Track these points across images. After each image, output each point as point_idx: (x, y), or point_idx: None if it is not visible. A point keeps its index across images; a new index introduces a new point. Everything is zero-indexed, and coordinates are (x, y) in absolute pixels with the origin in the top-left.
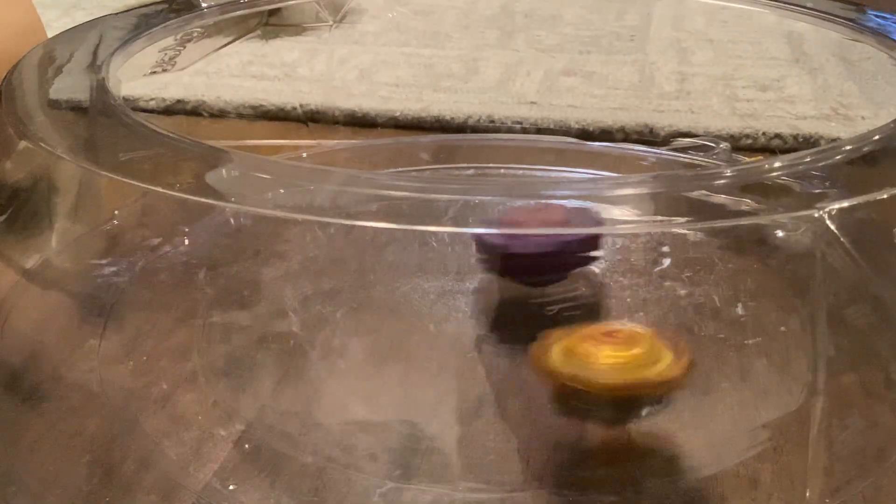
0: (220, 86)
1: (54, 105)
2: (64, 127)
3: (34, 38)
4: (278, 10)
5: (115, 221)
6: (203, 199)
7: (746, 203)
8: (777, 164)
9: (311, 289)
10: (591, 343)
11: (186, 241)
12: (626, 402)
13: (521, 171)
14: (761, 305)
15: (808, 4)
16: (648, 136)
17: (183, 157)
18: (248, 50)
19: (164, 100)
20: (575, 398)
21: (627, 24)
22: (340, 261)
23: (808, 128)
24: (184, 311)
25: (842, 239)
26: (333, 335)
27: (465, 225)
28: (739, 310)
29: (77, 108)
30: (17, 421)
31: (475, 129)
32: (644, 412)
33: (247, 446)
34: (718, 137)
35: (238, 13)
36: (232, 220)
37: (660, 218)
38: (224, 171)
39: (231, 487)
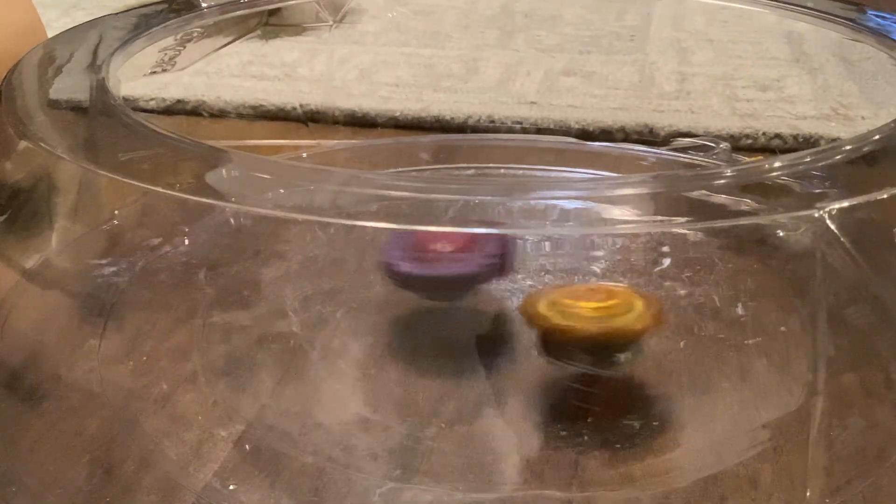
0: (220, 86)
1: (54, 105)
2: (64, 127)
3: (34, 38)
4: (278, 10)
5: (115, 221)
6: (203, 199)
7: (746, 203)
8: (777, 164)
9: (311, 289)
10: (574, 296)
11: (186, 241)
12: (602, 345)
13: (521, 171)
14: (761, 305)
15: (808, 4)
16: (648, 136)
17: (183, 157)
18: (248, 50)
19: (164, 100)
20: (557, 342)
21: (627, 24)
22: (340, 261)
23: (808, 128)
24: (184, 311)
25: (842, 239)
26: (333, 335)
27: (465, 225)
28: (739, 310)
29: (77, 108)
30: (17, 421)
31: (475, 129)
32: (621, 357)
33: (247, 446)
34: (718, 137)
35: (238, 13)
36: (232, 220)
37: (660, 218)
38: (224, 171)
39: (231, 487)
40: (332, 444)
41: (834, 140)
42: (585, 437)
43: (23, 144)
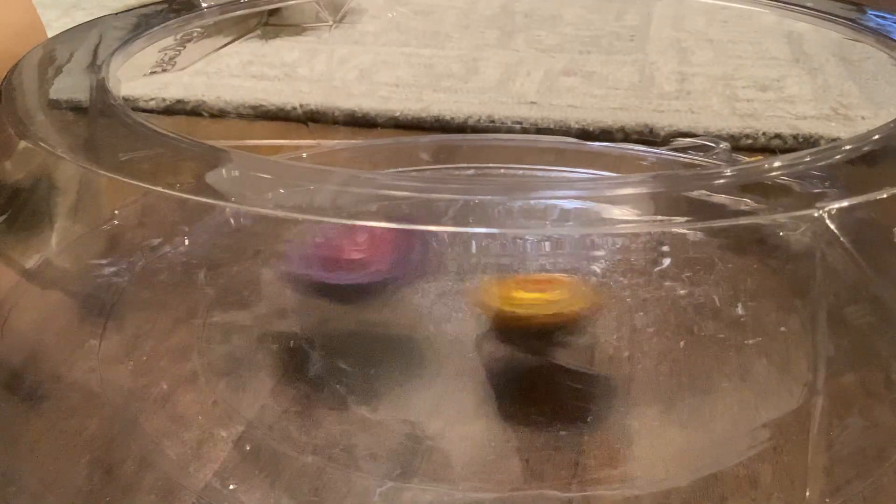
0: (220, 86)
1: (54, 105)
2: (64, 127)
3: (34, 38)
4: (278, 10)
5: (115, 221)
6: (203, 199)
7: (746, 203)
8: (777, 164)
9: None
10: (519, 287)
11: (186, 241)
12: (544, 330)
13: (521, 171)
14: (761, 305)
15: (808, 4)
16: (648, 136)
17: (183, 157)
18: (248, 50)
19: (164, 100)
20: (505, 328)
21: (627, 24)
22: None
23: (808, 128)
24: (184, 311)
25: (842, 239)
26: (333, 335)
27: (465, 225)
28: (739, 310)
29: (77, 108)
30: (17, 421)
31: (475, 129)
32: (561, 339)
33: (247, 446)
34: (718, 137)
35: (238, 13)
36: (232, 220)
37: (660, 218)
38: (224, 171)
39: (231, 487)
40: (332, 444)
41: (834, 140)
42: (585, 437)
43: (23, 144)
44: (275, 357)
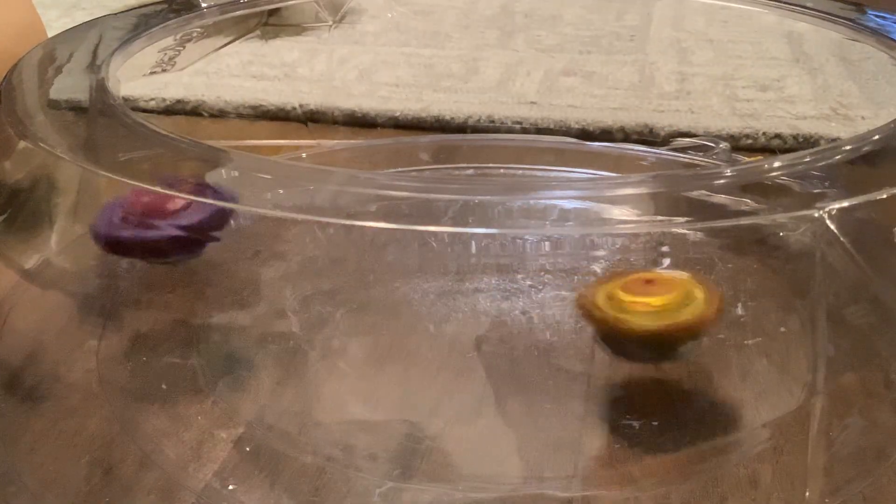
0: (220, 86)
1: (54, 105)
2: (64, 127)
3: (34, 38)
4: (278, 10)
5: None
6: (203, 200)
7: (746, 203)
8: (777, 164)
9: (311, 289)
10: (632, 290)
11: None
12: (664, 342)
13: (521, 171)
14: (761, 305)
15: (808, 4)
16: (648, 136)
17: (183, 157)
18: (248, 50)
19: (164, 100)
20: (617, 339)
21: (627, 24)
22: (340, 261)
23: (808, 128)
24: (184, 311)
25: (842, 239)
26: (333, 335)
27: (465, 225)
28: (739, 310)
29: (77, 108)
30: (17, 421)
31: (475, 129)
32: (681, 350)
33: (247, 447)
34: (718, 137)
35: (238, 13)
36: (231, 221)
37: (660, 218)
38: (224, 171)
39: (231, 487)
40: (332, 444)
41: (834, 140)
42: (585, 437)
43: (23, 144)
44: (274, 357)
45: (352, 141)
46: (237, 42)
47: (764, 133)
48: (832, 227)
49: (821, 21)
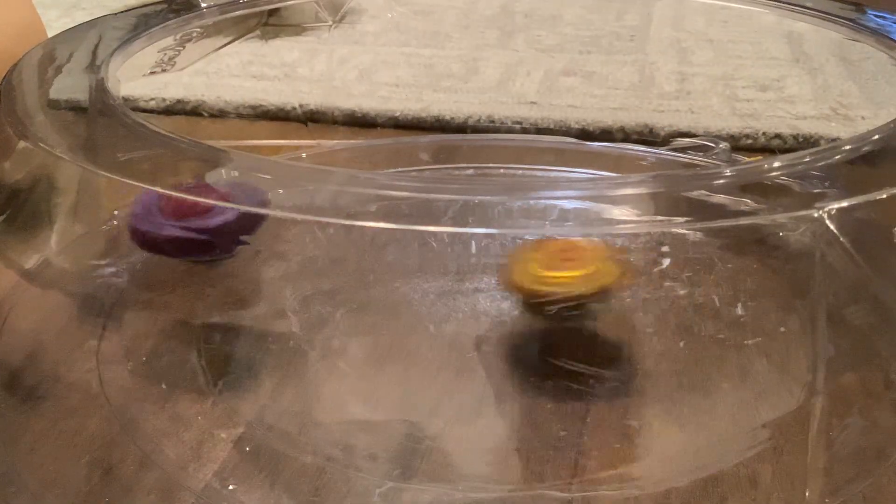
0: (220, 86)
1: (54, 105)
2: (64, 127)
3: (34, 38)
4: (278, 10)
5: (115, 221)
6: (203, 199)
7: (746, 203)
8: (777, 164)
9: (311, 289)
10: (548, 263)
11: None
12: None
13: (521, 171)
14: (761, 305)
15: (808, 4)
16: (648, 136)
17: (183, 157)
18: (248, 50)
19: (164, 100)
20: (536, 304)
21: (627, 24)
22: (340, 261)
23: (808, 128)
24: (184, 311)
25: (842, 239)
26: (333, 335)
27: (465, 225)
28: (739, 310)
29: (77, 108)
30: (17, 421)
31: (475, 129)
32: (593, 310)
33: (247, 447)
34: (718, 137)
35: (238, 13)
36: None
37: (660, 218)
38: (224, 171)
39: (231, 487)
40: (332, 444)
41: (834, 140)
42: (585, 437)
43: (22, 144)
44: (274, 357)
45: (352, 141)
46: (237, 42)
47: (764, 133)
48: (832, 227)
49: (821, 21)
